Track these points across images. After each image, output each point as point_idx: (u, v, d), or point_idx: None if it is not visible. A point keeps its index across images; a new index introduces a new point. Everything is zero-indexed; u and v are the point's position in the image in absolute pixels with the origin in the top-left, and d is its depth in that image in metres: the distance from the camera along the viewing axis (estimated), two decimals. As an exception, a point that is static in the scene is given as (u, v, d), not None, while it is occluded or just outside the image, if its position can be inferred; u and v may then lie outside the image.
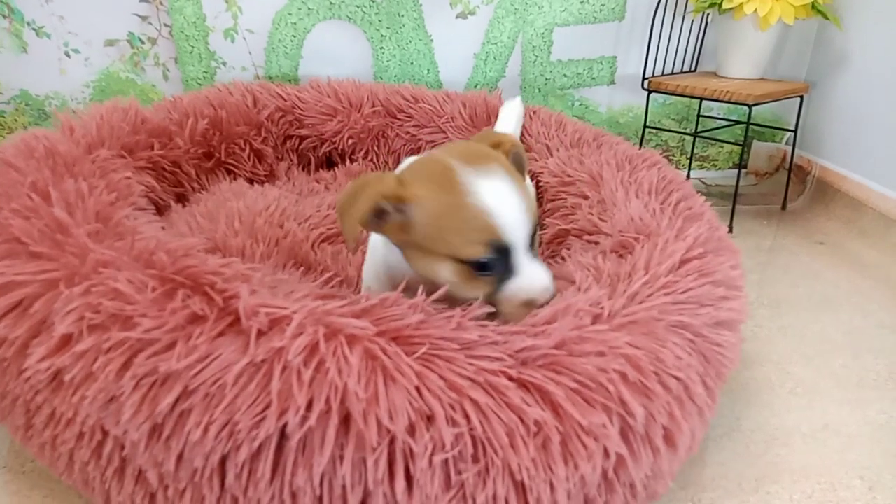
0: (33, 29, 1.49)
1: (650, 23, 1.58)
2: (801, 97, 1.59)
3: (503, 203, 0.61)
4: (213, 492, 0.56)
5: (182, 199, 1.06)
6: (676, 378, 0.62)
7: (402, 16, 1.59)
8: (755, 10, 1.47)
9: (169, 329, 0.57)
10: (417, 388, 0.55)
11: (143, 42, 1.54)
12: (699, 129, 1.82)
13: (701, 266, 0.75)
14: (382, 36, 1.61)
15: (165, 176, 1.04)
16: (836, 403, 0.90)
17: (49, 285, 0.61)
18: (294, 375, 0.54)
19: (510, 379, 0.57)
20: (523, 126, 1.27)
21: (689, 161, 1.89)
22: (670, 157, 1.90)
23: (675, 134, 1.84)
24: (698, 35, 1.70)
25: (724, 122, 1.82)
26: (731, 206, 1.51)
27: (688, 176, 1.89)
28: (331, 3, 1.55)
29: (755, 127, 1.87)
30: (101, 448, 0.59)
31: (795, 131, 1.63)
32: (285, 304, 0.59)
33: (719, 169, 1.93)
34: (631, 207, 0.87)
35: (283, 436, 0.54)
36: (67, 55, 1.53)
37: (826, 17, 1.51)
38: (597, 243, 0.86)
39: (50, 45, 1.51)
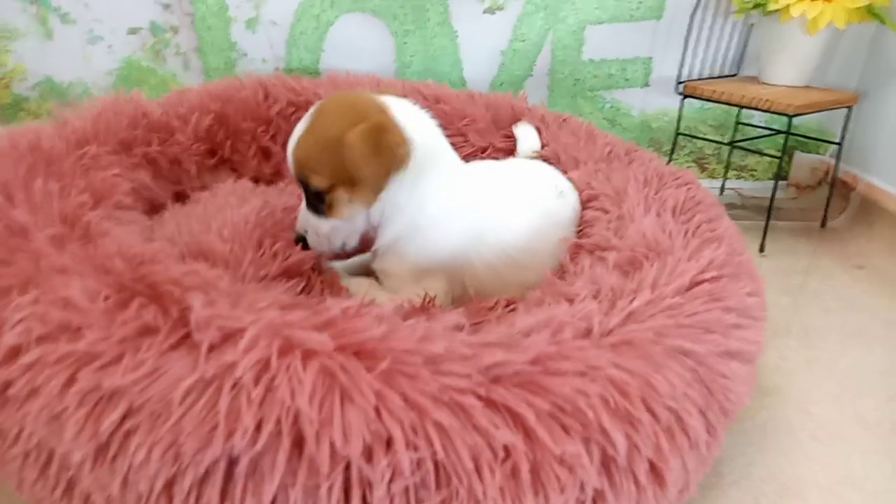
0: (59, 15, 1.49)
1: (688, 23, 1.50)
2: (849, 108, 1.48)
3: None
4: (160, 518, 0.52)
5: (181, 197, 1.02)
6: (668, 408, 0.56)
7: (428, 10, 1.54)
8: (803, 13, 1.37)
9: (116, 341, 0.53)
10: (376, 409, 0.50)
11: (165, 31, 1.53)
12: (737, 138, 1.72)
13: (712, 290, 0.68)
14: (406, 30, 1.56)
15: (163, 173, 1.01)
16: (862, 453, 0.81)
17: (2, 293, 0.58)
18: (244, 394, 0.50)
19: (478, 398, 0.52)
20: (551, 132, 1.20)
21: (724, 170, 1.79)
22: (705, 166, 1.80)
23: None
24: (741, 37, 1.60)
25: (764, 132, 1.72)
26: (765, 223, 1.40)
27: (723, 187, 1.80)
28: (354, -4, 1.51)
29: (798, 137, 1.76)
30: (48, 469, 0.55)
31: (840, 144, 1.52)
32: (241, 315, 0.54)
33: (758, 180, 1.82)
34: (644, 223, 0.81)
35: (232, 460, 0.50)
36: (91, 42, 1.52)
37: (883, 22, 1.40)
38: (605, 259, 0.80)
39: (75, 32, 1.51)
